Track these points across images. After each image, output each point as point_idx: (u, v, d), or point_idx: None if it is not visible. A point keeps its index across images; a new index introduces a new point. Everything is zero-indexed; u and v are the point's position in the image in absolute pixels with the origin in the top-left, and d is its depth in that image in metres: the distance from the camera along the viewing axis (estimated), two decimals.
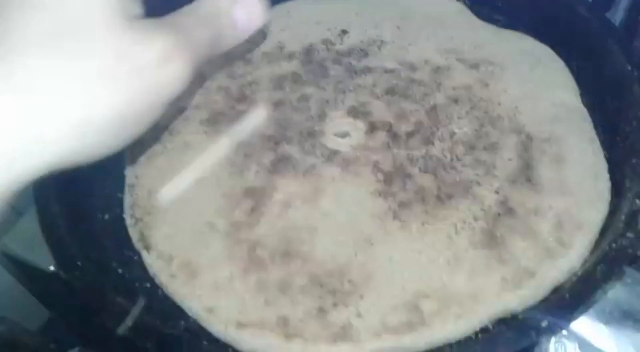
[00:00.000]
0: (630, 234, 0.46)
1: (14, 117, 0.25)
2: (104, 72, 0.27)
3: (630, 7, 0.70)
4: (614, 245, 0.45)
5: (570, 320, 0.43)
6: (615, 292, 0.53)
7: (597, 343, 0.50)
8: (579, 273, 0.45)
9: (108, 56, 0.27)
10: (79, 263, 0.50)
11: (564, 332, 0.51)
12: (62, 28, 0.26)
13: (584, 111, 0.57)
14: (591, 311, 0.52)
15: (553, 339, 0.51)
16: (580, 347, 0.50)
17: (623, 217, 0.47)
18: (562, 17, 0.64)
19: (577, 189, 0.50)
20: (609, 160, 0.53)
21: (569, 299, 0.43)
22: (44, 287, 0.60)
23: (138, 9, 0.29)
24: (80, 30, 0.26)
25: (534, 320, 0.42)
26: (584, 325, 0.51)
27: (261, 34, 0.35)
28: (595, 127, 0.56)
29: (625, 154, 0.52)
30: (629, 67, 0.55)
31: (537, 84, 0.59)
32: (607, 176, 0.52)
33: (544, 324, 0.41)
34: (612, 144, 0.54)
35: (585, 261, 0.47)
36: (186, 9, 0.31)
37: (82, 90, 0.26)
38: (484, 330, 0.44)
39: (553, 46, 0.63)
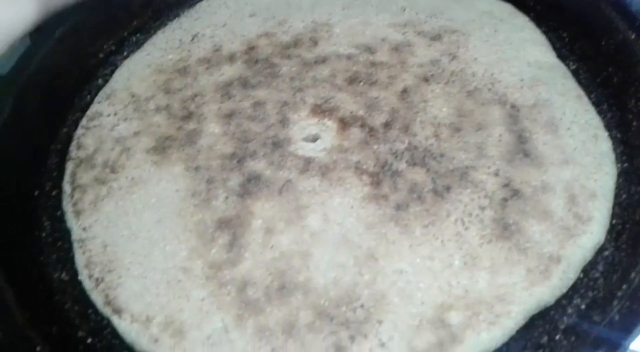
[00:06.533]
0: None
1: None
2: None
3: None
4: None
5: (624, 348, 0.37)
6: None
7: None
8: (625, 288, 0.40)
9: None
10: (38, 348, 0.42)
11: None
12: None
13: (561, 67, 0.53)
14: None
15: None
16: None
17: None
18: None
19: (580, 154, 0.46)
20: (622, 141, 0.49)
21: (620, 321, 0.37)
22: None
23: None
24: None
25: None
26: None
27: None
28: (600, 104, 0.51)
29: None
30: (633, 35, 0.50)
31: (506, 46, 0.55)
32: (606, 133, 0.48)
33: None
34: (623, 122, 0.50)
35: (628, 271, 0.41)
36: None
37: None
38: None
39: (538, 17, 0.58)
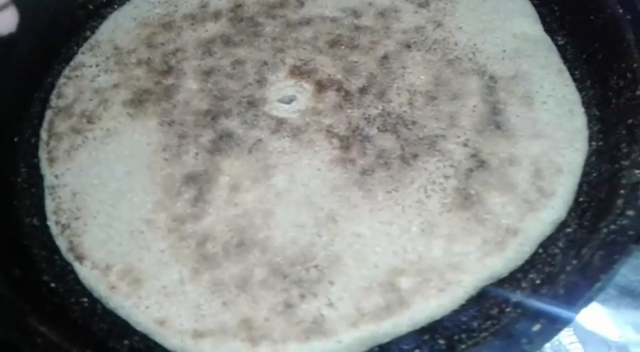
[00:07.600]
0: (630, 212, 0.39)
1: None
2: None
3: None
4: (612, 226, 0.39)
5: (566, 322, 0.36)
6: None
7: (593, 326, 0.44)
8: (575, 263, 0.39)
9: None
10: None
11: None
12: None
13: (547, 40, 0.52)
14: None
15: None
16: (575, 332, 0.44)
17: (622, 191, 0.41)
18: None
19: (552, 129, 0.45)
20: (600, 119, 0.47)
21: (564, 295, 0.37)
22: None
23: None
24: None
25: (524, 325, 0.36)
26: None
27: None
28: (584, 80, 0.50)
29: (619, 113, 0.46)
30: (620, 10, 0.48)
31: (493, 16, 0.53)
32: (582, 109, 0.47)
33: (536, 328, 0.35)
34: (603, 100, 0.48)
35: (582, 247, 0.40)
36: None
37: None
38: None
39: None
